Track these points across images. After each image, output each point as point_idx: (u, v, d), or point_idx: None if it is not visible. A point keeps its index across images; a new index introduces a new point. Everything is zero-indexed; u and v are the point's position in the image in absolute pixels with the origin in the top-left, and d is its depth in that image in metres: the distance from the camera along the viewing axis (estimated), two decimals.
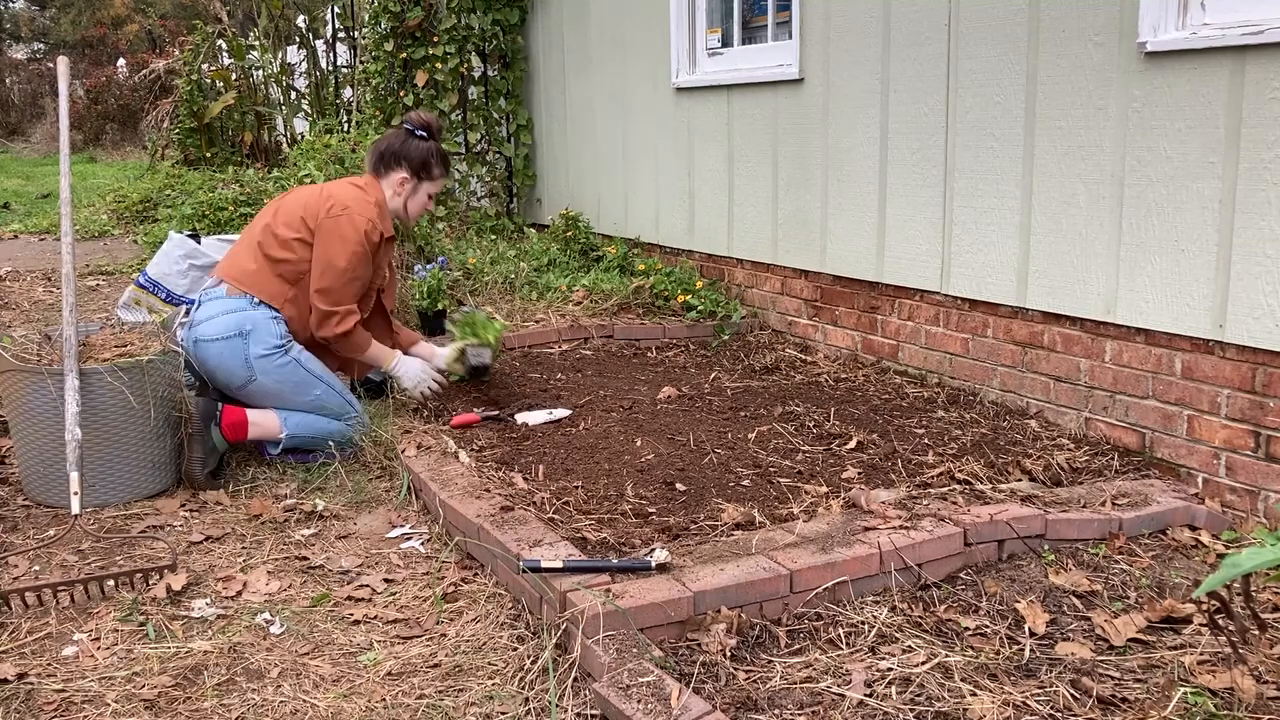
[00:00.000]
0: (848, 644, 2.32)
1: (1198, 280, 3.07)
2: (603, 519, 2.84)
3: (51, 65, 23.72)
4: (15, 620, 2.52)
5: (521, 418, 3.69)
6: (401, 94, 6.78)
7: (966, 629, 2.38)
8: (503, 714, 2.13)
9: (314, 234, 3.44)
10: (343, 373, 3.77)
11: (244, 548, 2.94)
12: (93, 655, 2.37)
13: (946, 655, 2.25)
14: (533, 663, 2.28)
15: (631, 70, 5.81)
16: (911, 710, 2.06)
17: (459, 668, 2.31)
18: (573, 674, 2.20)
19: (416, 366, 3.77)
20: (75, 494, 2.87)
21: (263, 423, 3.42)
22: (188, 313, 3.90)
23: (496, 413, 3.73)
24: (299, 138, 10.39)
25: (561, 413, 3.74)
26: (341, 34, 10.29)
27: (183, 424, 3.36)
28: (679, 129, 5.43)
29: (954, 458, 3.25)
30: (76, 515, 2.87)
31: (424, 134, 3.67)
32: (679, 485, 3.09)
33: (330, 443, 3.49)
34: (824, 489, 3.03)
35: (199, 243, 4.14)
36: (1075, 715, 2.05)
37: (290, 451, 3.51)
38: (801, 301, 4.78)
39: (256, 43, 11.29)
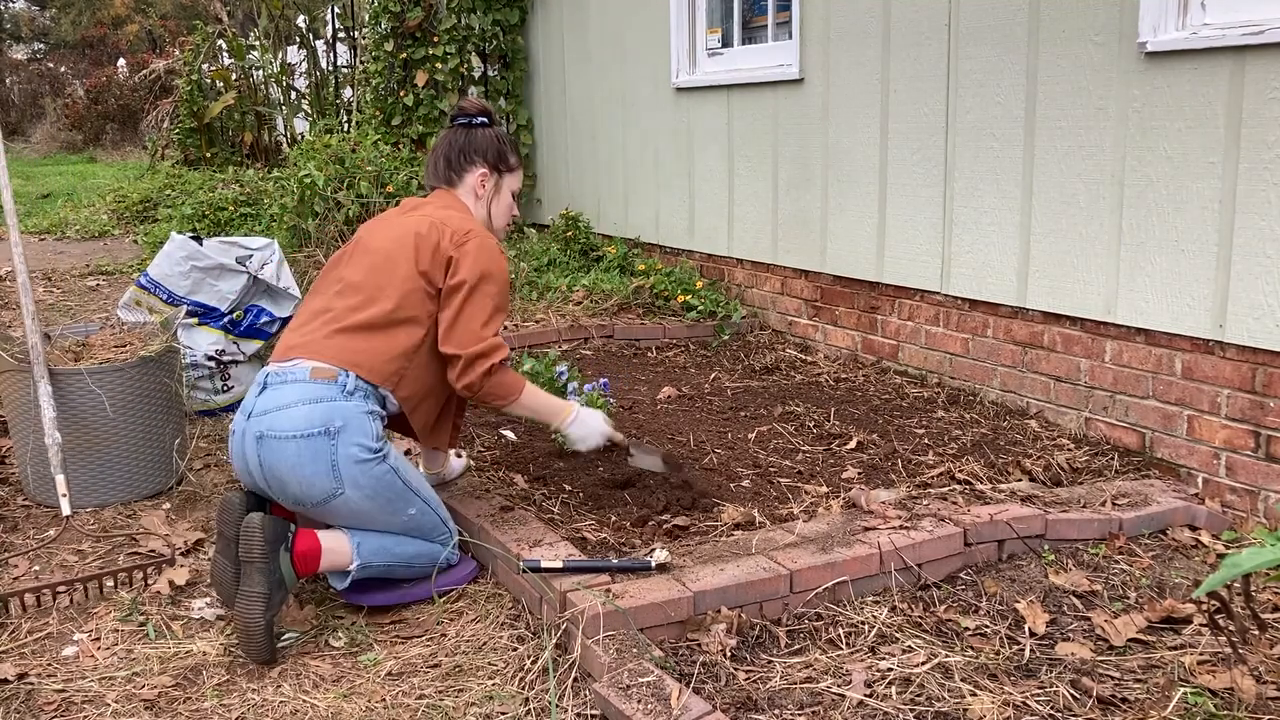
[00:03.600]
0: (848, 644, 2.32)
1: (1198, 280, 3.07)
2: (603, 519, 2.84)
3: (52, 65, 23.74)
4: (15, 620, 2.52)
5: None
6: (401, 94, 6.79)
7: (966, 629, 2.38)
8: (503, 714, 2.13)
9: (440, 277, 2.63)
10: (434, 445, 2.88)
11: None
12: (93, 655, 2.37)
13: (946, 655, 2.25)
14: (533, 663, 2.28)
15: (631, 70, 5.81)
16: (911, 710, 2.06)
17: (459, 668, 2.31)
18: (573, 674, 2.20)
19: (597, 421, 2.87)
20: (64, 495, 2.87)
21: (335, 548, 2.51)
22: (189, 313, 3.88)
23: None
24: (299, 138, 10.40)
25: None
26: (341, 34, 10.30)
27: (229, 544, 2.45)
28: (679, 129, 5.43)
29: (954, 458, 3.25)
30: (68, 516, 2.87)
31: (485, 120, 2.92)
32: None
33: (410, 568, 2.62)
34: (824, 489, 3.03)
35: (201, 244, 4.13)
36: (1075, 715, 2.05)
37: (359, 587, 2.57)
38: (801, 301, 4.78)
39: (256, 43, 11.29)
